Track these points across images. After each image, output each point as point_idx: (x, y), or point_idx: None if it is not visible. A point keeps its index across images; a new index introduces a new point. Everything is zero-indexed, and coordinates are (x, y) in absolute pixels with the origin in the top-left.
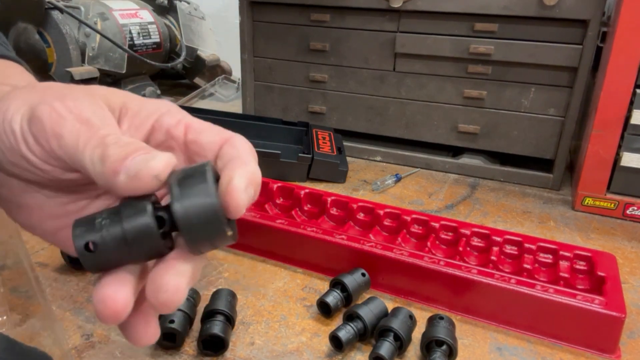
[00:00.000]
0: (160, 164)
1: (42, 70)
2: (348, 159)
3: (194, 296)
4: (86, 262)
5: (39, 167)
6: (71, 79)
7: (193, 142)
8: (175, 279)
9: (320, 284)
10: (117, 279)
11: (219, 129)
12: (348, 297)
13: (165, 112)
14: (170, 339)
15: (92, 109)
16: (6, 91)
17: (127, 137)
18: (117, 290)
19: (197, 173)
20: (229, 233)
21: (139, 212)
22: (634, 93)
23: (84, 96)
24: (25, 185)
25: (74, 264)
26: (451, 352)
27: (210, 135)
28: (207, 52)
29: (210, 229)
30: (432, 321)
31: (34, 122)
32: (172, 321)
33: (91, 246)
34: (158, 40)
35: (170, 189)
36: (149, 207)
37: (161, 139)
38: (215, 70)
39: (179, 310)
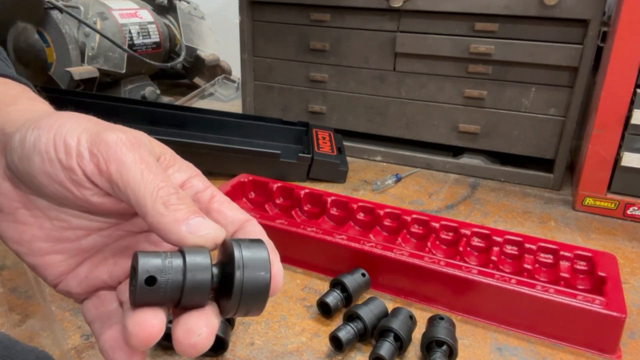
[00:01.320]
0: (223, 235)
1: (42, 70)
2: (348, 159)
3: None
4: (139, 294)
5: (80, 183)
6: (71, 79)
7: (217, 211)
8: (208, 327)
9: (320, 284)
10: (152, 308)
11: (238, 207)
12: (348, 298)
13: (196, 175)
14: (170, 339)
15: (147, 152)
16: (43, 111)
17: (183, 193)
18: (154, 317)
19: (256, 247)
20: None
21: (202, 269)
22: (635, 93)
23: (136, 139)
24: (36, 201)
25: None
26: (451, 352)
27: (234, 210)
28: (206, 51)
29: (256, 302)
30: (432, 321)
31: (100, 143)
32: (171, 321)
33: (151, 282)
34: (158, 40)
35: (233, 255)
36: (211, 267)
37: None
38: (215, 70)
39: None
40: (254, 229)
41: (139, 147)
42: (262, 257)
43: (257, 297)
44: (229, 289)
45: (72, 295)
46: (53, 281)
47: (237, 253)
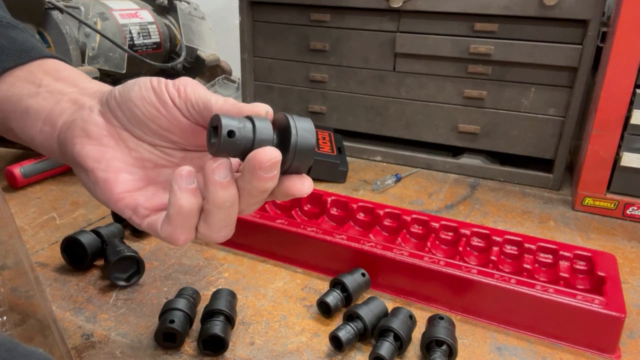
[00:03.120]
0: (271, 110)
1: None
2: (348, 159)
3: (194, 296)
4: (223, 143)
5: (166, 102)
6: None
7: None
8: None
9: (320, 284)
10: None
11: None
12: (348, 297)
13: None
14: (170, 339)
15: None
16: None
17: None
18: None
19: (304, 120)
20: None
21: (267, 129)
22: (634, 93)
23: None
24: (122, 133)
25: (73, 264)
26: (451, 352)
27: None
28: (207, 52)
29: (305, 157)
30: (432, 321)
31: (179, 80)
32: (172, 321)
33: (231, 134)
34: (158, 40)
35: (289, 122)
36: (273, 129)
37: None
38: (215, 70)
39: (179, 310)
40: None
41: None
42: (309, 126)
43: (306, 153)
44: (287, 145)
45: (137, 209)
46: (118, 195)
47: (291, 122)
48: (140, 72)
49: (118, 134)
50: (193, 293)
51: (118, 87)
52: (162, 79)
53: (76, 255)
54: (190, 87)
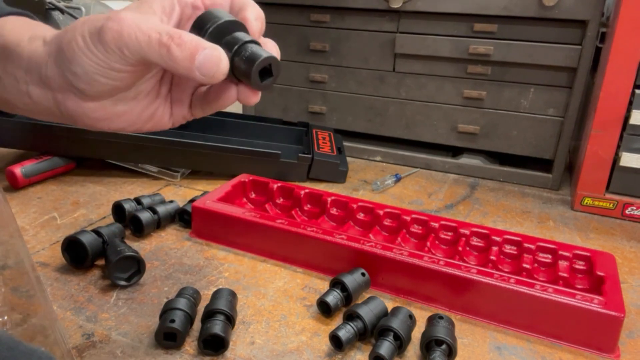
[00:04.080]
0: (225, 65)
1: None
2: (348, 159)
3: (194, 296)
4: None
5: (118, 69)
6: None
7: (212, 3)
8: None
9: (320, 284)
10: None
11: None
12: (348, 297)
13: None
14: (170, 339)
15: (138, 15)
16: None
17: (175, 30)
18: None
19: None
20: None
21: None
22: (633, 93)
23: (135, 9)
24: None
25: (74, 264)
26: (451, 351)
27: None
28: None
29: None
30: (431, 321)
31: (103, 36)
32: (172, 320)
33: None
34: None
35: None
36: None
37: (189, 13)
38: None
39: (180, 309)
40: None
41: (132, 17)
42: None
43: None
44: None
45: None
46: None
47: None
48: None
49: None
50: (193, 293)
51: (53, 56)
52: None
53: (77, 255)
54: (119, 45)
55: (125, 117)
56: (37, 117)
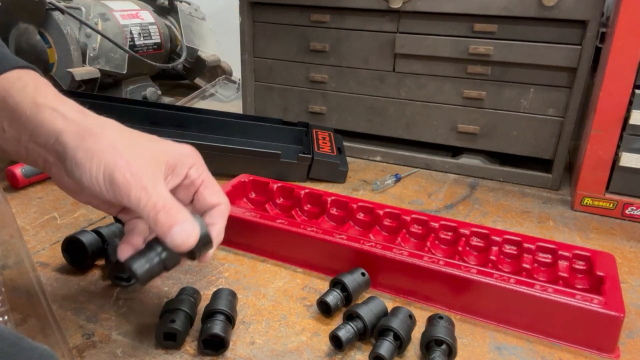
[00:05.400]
0: (194, 241)
1: (44, 70)
2: (348, 159)
3: (194, 295)
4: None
5: (106, 199)
6: (72, 79)
7: (201, 194)
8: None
9: (320, 284)
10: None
11: (220, 191)
12: (348, 297)
13: (193, 164)
14: (171, 339)
15: (148, 175)
16: (65, 125)
17: (171, 202)
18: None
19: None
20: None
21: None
22: (633, 93)
23: (145, 161)
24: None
25: (74, 264)
26: (450, 351)
27: (213, 195)
28: (207, 52)
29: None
30: (431, 321)
31: (114, 185)
32: (173, 321)
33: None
34: (159, 40)
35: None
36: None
37: (187, 184)
38: (215, 71)
39: (180, 309)
40: (218, 212)
41: (140, 174)
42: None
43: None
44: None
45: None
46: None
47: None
48: (141, 72)
49: None
50: (194, 292)
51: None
52: (101, 183)
53: (77, 255)
54: (123, 193)
55: (93, 203)
56: (22, 162)
